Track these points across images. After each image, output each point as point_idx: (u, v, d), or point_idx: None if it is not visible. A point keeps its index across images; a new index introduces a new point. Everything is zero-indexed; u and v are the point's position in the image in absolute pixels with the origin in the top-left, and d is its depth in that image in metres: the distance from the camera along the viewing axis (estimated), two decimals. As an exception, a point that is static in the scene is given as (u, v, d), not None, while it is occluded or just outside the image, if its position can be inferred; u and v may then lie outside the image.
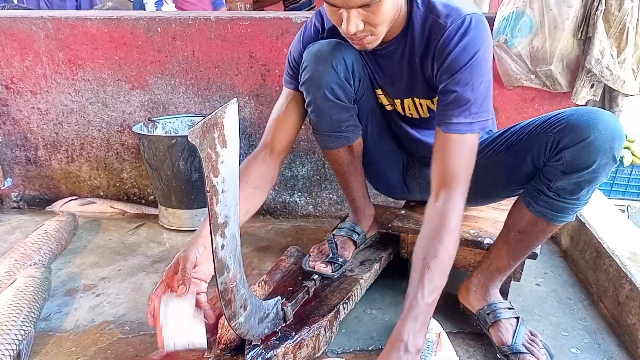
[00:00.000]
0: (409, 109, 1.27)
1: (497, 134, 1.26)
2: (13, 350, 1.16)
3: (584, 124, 0.99)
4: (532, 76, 1.80)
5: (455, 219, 1.00)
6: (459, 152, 1.05)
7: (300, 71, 1.21)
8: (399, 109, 1.29)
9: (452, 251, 1.00)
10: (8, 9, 2.90)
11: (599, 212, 1.74)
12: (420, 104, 1.24)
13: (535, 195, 1.11)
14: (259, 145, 1.28)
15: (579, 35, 1.70)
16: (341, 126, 1.27)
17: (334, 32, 1.21)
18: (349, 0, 0.96)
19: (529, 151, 1.11)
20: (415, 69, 1.16)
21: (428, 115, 1.26)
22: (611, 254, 1.45)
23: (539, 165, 1.10)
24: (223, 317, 1.23)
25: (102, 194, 2.32)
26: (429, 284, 0.95)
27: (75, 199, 2.28)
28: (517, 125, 1.21)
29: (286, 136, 1.28)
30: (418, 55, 1.13)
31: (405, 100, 1.26)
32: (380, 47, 1.15)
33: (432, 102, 1.23)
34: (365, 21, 1.00)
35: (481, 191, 1.30)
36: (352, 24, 0.99)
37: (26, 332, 1.22)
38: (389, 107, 1.32)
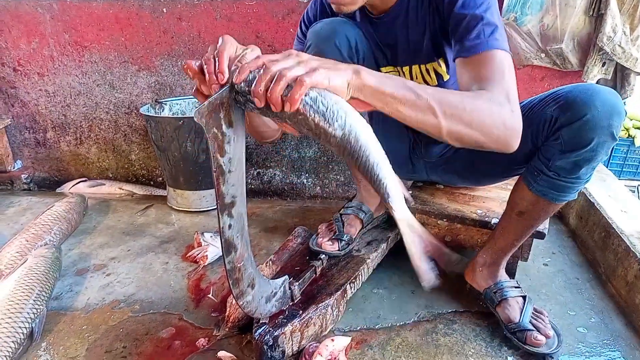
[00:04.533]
0: (416, 78, 1.26)
1: None
2: (26, 328, 1.18)
3: (580, 101, 0.97)
4: (542, 55, 1.77)
5: (483, 98, 0.88)
6: (484, 66, 0.93)
7: (305, 50, 1.21)
8: (407, 78, 1.28)
9: (459, 104, 0.85)
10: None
11: (608, 192, 1.73)
12: (427, 70, 1.23)
13: (535, 175, 1.10)
14: None
15: (591, 13, 1.66)
16: None
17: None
18: None
19: (527, 129, 1.07)
20: (422, 29, 1.14)
21: (436, 82, 1.25)
22: (620, 234, 1.44)
23: (538, 143, 1.09)
24: (231, 295, 1.25)
25: (111, 175, 2.34)
26: (420, 87, 0.86)
27: (85, 181, 2.30)
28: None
29: None
30: (426, 11, 1.11)
31: (412, 67, 1.24)
32: (380, 15, 1.15)
33: (439, 65, 1.21)
34: None
35: (482, 171, 1.31)
36: None
37: (38, 310, 1.24)
38: None
